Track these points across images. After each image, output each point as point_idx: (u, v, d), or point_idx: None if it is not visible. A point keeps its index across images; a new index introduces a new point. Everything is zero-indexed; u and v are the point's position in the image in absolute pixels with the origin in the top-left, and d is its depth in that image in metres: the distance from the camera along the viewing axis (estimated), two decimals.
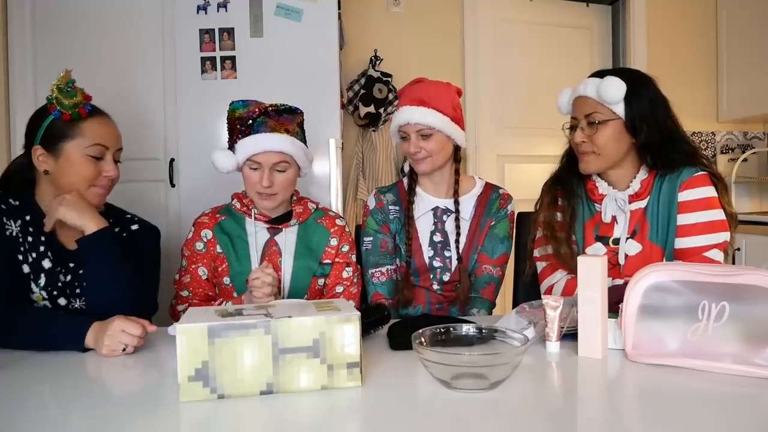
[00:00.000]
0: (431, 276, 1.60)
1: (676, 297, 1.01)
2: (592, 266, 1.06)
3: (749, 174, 3.37)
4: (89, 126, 1.29)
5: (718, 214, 1.29)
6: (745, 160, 3.31)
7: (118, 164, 1.36)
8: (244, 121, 1.40)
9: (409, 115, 1.52)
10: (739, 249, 2.72)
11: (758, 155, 3.40)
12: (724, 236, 1.29)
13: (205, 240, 1.47)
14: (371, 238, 1.63)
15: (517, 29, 3.27)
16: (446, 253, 1.60)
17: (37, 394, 0.93)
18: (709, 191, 1.30)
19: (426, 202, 1.64)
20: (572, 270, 1.37)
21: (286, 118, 1.44)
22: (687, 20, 3.36)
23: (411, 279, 1.60)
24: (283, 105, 1.45)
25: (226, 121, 1.45)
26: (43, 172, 1.29)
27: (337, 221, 1.55)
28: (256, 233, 1.47)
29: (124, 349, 1.10)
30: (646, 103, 1.30)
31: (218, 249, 1.46)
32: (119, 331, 1.10)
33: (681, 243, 1.31)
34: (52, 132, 1.28)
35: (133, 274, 1.29)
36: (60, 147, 1.27)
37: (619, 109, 1.29)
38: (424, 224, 1.62)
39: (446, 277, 1.59)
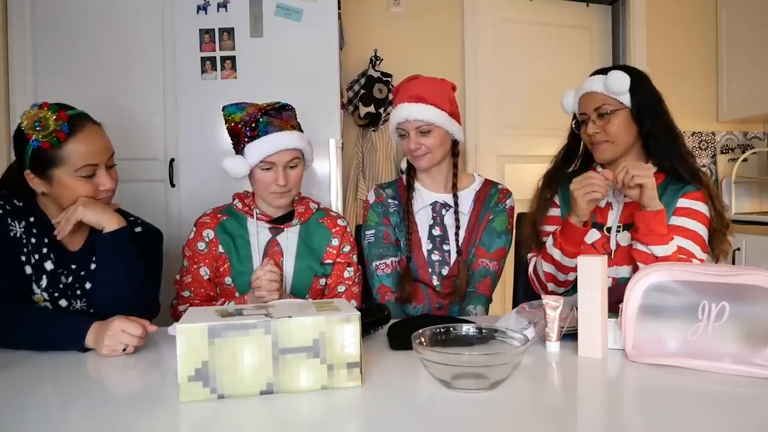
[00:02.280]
0: (430, 270, 1.60)
1: (676, 297, 1.01)
2: (592, 266, 1.06)
3: (749, 174, 3.37)
4: (73, 148, 1.22)
5: (703, 232, 1.34)
6: (745, 160, 3.31)
7: (113, 168, 1.33)
8: (248, 123, 1.39)
9: (407, 111, 1.53)
10: (739, 249, 2.72)
11: (758, 155, 3.40)
12: (701, 254, 1.32)
13: (206, 240, 1.47)
14: (373, 231, 1.63)
15: (517, 29, 3.27)
16: (445, 247, 1.60)
17: (38, 394, 0.93)
18: (703, 207, 1.36)
19: (424, 196, 1.65)
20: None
21: (287, 115, 1.45)
22: (687, 20, 3.36)
23: (411, 273, 1.60)
24: (276, 102, 1.45)
25: (227, 127, 1.45)
26: (41, 194, 1.28)
27: (339, 221, 1.56)
28: (258, 233, 1.47)
29: (124, 349, 1.10)
30: (646, 93, 1.39)
31: (220, 249, 1.46)
32: (119, 331, 1.10)
33: None
34: (37, 160, 1.23)
35: (144, 275, 1.29)
36: (49, 174, 1.24)
37: (626, 99, 1.38)
38: (422, 218, 1.63)
39: (445, 271, 1.59)
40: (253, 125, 1.39)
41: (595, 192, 1.27)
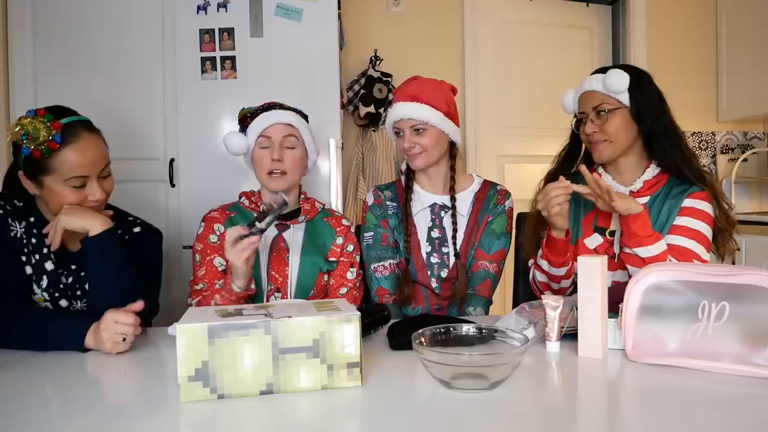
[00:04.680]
0: (429, 272, 1.60)
1: (676, 297, 1.01)
2: (592, 266, 1.06)
3: (749, 174, 3.37)
4: (63, 158, 1.21)
5: (708, 232, 1.34)
6: (745, 160, 3.31)
7: (108, 178, 1.32)
8: (256, 111, 1.49)
9: (402, 110, 1.54)
10: (739, 249, 2.71)
11: (758, 155, 3.40)
12: (705, 255, 1.33)
13: (218, 233, 1.47)
14: (372, 233, 1.63)
15: (517, 29, 3.27)
16: (444, 249, 1.60)
17: (39, 394, 0.93)
18: (708, 207, 1.36)
19: (423, 198, 1.64)
20: None
21: (295, 109, 1.54)
22: (687, 20, 3.36)
23: (410, 276, 1.60)
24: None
25: (238, 120, 1.54)
26: (33, 195, 1.28)
27: (343, 221, 1.58)
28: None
29: (124, 339, 1.10)
30: (647, 92, 1.38)
31: None
32: (113, 323, 1.10)
33: (669, 240, 1.34)
34: (29, 164, 1.23)
35: (136, 275, 1.29)
36: (40, 179, 1.23)
37: (625, 99, 1.37)
38: (421, 220, 1.63)
39: (444, 274, 1.59)
40: (259, 111, 1.48)
41: (557, 205, 1.26)
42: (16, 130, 1.18)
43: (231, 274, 1.31)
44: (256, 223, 1.25)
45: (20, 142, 1.18)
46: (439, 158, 1.60)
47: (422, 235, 1.62)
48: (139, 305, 1.15)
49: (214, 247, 1.46)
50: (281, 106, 1.51)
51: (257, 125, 1.47)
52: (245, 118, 1.51)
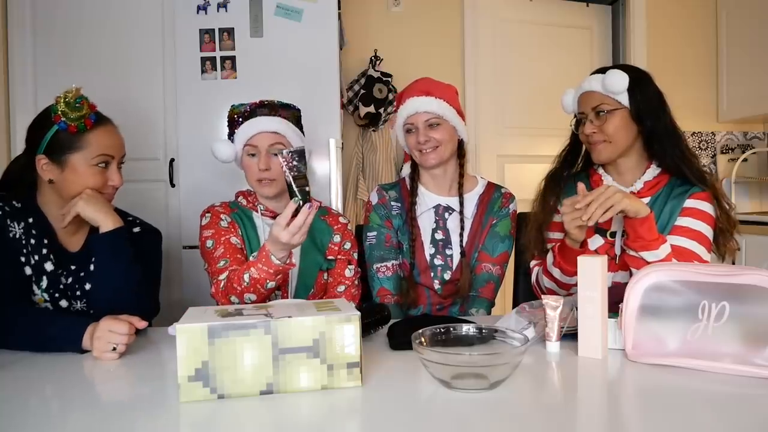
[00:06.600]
0: (432, 274, 1.60)
1: (676, 297, 1.01)
2: (592, 266, 1.06)
3: (749, 174, 3.37)
4: (95, 137, 1.28)
5: (709, 233, 1.34)
6: (745, 160, 3.31)
7: (120, 172, 1.35)
8: (243, 113, 1.46)
9: (416, 104, 1.54)
10: (739, 249, 2.71)
11: (758, 155, 3.40)
12: (706, 255, 1.33)
13: (227, 221, 1.47)
14: (375, 233, 1.62)
15: (517, 29, 3.28)
16: (447, 252, 1.60)
17: (38, 394, 0.93)
18: (709, 208, 1.35)
19: (427, 200, 1.64)
20: None
21: (284, 111, 1.50)
22: (687, 20, 3.37)
23: (414, 278, 1.60)
24: (279, 101, 1.51)
25: (227, 120, 1.50)
26: (47, 181, 1.29)
27: (341, 219, 1.58)
28: (264, 228, 1.49)
29: (114, 349, 1.09)
30: (647, 93, 1.38)
31: (239, 231, 1.47)
32: (107, 332, 1.10)
33: (670, 240, 1.32)
34: (57, 143, 1.26)
35: (142, 275, 1.29)
36: (65, 158, 1.26)
37: (624, 99, 1.36)
38: (425, 222, 1.62)
39: (447, 276, 1.59)
40: (246, 114, 1.46)
41: (580, 219, 1.24)
42: (71, 94, 1.25)
43: (269, 246, 1.23)
44: (296, 196, 1.18)
45: (68, 108, 1.24)
46: (449, 156, 1.60)
47: (426, 237, 1.61)
48: (142, 324, 1.14)
49: (225, 230, 1.45)
50: (270, 107, 1.47)
51: (243, 133, 1.45)
52: (233, 120, 1.48)
